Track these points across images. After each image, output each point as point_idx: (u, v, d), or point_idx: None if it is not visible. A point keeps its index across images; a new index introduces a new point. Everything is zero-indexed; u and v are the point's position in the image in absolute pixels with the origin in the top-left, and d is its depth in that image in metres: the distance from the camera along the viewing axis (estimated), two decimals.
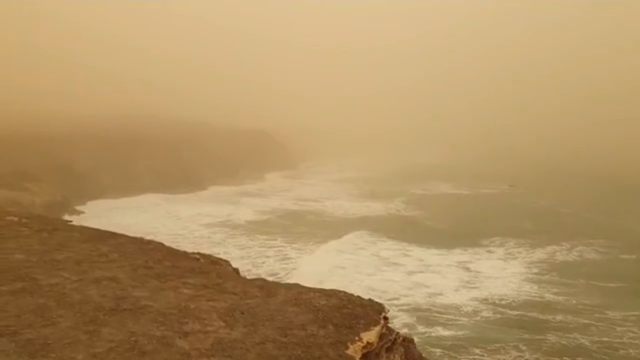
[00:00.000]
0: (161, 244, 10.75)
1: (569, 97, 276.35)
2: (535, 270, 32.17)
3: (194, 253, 10.15)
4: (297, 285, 8.48)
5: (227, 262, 9.74)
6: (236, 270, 9.76)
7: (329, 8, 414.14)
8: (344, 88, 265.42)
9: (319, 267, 32.70)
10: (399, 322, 23.53)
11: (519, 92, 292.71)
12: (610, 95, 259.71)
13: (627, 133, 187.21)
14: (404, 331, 21.93)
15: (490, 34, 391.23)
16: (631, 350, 20.69)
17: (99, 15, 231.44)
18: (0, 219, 11.60)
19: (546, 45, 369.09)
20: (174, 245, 38.67)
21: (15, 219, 11.84)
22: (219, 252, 36.83)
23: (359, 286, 28.80)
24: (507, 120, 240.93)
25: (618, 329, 22.70)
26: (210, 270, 8.41)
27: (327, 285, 28.26)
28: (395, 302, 26.54)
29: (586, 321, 23.60)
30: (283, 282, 12.46)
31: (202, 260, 9.23)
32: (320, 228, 45.17)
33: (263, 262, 34.00)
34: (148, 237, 40.27)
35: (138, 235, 42.71)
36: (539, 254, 36.42)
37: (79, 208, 51.26)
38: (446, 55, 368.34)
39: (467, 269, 32.89)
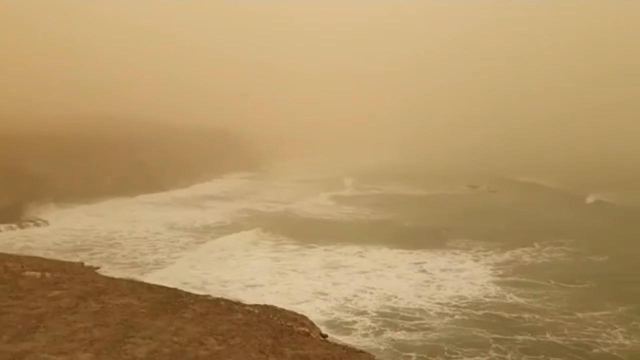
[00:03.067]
0: (241, 306, 8.51)
1: (537, 98, 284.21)
2: (500, 272, 31.64)
3: (295, 316, 8.14)
4: None
5: (310, 322, 8.26)
6: (322, 334, 7.90)
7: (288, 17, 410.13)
8: (306, 91, 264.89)
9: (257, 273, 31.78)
10: (361, 327, 22.97)
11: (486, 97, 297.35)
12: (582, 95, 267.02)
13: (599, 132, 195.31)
14: (369, 338, 21.34)
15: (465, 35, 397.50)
16: (604, 349, 20.72)
17: (54, 15, 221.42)
18: (16, 276, 8.85)
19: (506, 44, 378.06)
20: (136, 251, 36.99)
21: (38, 274, 9.23)
22: (180, 256, 35.75)
23: (305, 290, 28.28)
24: (476, 122, 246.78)
25: (589, 328, 22.65)
26: (342, 357, 6.72)
27: (272, 290, 27.44)
28: (350, 305, 25.86)
29: (556, 321, 23.50)
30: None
31: (312, 334, 7.59)
32: (294, 230, 44.55)
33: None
34: (110, 243, 38.79)
35: (100, 239, 40.74)
36: (504, 255, 35.97)
37: (33, 214, 48.80)
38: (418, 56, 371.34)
39: (428, 271, 32.18)
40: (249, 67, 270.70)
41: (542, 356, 20.29)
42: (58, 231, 43.78)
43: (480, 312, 24.89)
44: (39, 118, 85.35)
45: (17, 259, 10.69)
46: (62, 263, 10.89)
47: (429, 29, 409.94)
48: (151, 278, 29.32)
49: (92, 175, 62.12)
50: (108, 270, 22.41)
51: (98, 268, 10.63)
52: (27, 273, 9.34)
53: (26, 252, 36.43)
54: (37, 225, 45.48)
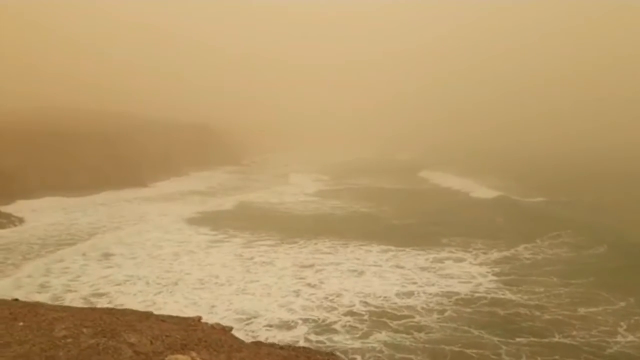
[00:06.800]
0: None
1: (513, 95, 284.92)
2: (497, 270, 30.20)
3: None
4: None
5: None
6: None
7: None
8: (290, 84, 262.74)
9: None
10: (344, 328, 21.93)
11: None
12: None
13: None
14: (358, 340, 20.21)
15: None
16: (615, 348, 19.77)
17: (26, 5, 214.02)
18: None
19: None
20: (117, 250, 35.09)
21: None
22: (159, 254, 34.23)
23: (284, 289, 27.11)
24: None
25: (598, 326, 21.83)
26: None
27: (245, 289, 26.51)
28: (334, 304, 24.61)
29: (558, 319, 22.63)
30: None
31: None
32: (286, 225, 44.03)
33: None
34: (90, 241, 36.72)
35: (83, 235, 38.40)
36: (501, 251, 34.36)
37: (5, 210, 46.64)
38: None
39: (412, 269, 30.76)
40: (231, 59, 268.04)
41: (558, 357, 19.28)
42: (36, 228, 42.07)
43: (482, 312, 23.75)
44: (9, 110, 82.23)
45: (129, 324, 7.71)
46: (184, 322, 7.99)
47: (419, 23, 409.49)
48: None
49: (67, 169, 60.32)
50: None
51: (231, 329, 8.37)
52: (174, 357, 6.59)
53: (2, 253, 34.34)
54: (12, 222, 43.33)
